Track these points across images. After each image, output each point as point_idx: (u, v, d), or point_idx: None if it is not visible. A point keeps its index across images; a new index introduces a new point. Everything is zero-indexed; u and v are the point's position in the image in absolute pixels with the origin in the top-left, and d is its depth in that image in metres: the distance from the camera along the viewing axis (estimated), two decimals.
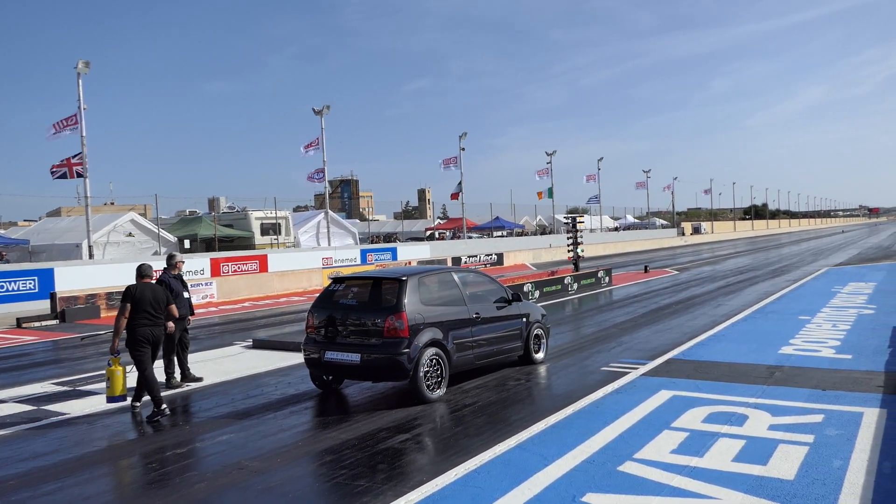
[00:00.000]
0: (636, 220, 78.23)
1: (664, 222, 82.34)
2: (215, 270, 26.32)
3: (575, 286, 21.10)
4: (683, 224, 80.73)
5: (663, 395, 7.64)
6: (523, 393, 8.29)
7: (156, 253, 28.43)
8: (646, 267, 28.27)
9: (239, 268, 27.21)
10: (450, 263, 33.85)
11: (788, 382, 8.06)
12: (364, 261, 32.76)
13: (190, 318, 9.65)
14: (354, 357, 7.82)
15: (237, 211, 38.80)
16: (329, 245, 34.13)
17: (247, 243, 34.61)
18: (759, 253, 41.54)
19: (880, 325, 12.01)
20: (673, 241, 64.10)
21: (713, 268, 29.26)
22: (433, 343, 7.93)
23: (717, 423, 6.52)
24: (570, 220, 23.89)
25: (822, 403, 7.08)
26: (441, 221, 67.78)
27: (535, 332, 9.89)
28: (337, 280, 8.84)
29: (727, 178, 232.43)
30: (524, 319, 9.70)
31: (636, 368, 9.19)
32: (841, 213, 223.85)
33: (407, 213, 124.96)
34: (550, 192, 51.58)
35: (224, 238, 33.58)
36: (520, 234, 54.65)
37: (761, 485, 5.00)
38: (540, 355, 9.96)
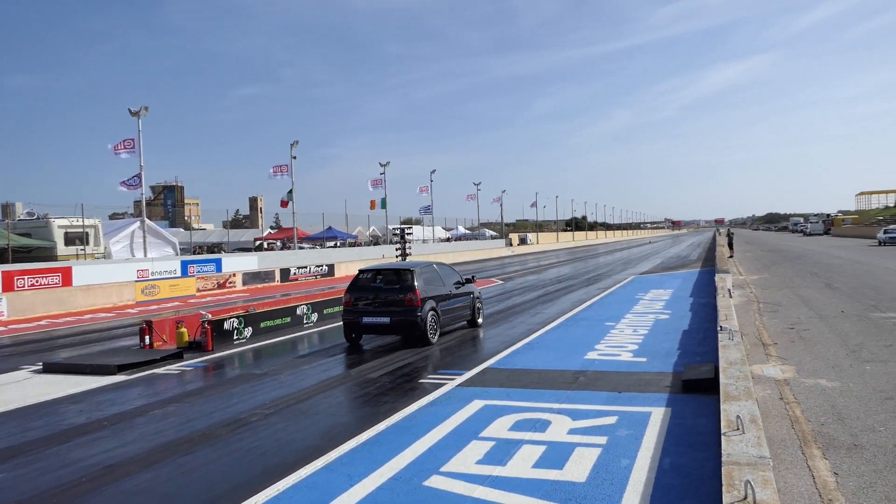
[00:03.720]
0: (467, 231, 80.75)
1: (494, 233, 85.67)
2: (7, 285, 23.55)
3: None
4: (511, 235, 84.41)
5: (475, 405, 7.82)
6: (333, 408, 8.13)
7: None
8: (473, 277, 29.10)
9: (37, 281, 24.55)
10: (278, 275, 32.89)
11: (590, 387, 8.57)
12: (185, 273, 30.87)
13: None
14: (385, 319, 12.04)
15: (37, 218, 35.04)
16: (146, 256, 31.83)
17: (47, 254, 31.35)
18: (578, 262, 44.39)
19: (673, 329, 13.19)
20: (502, 251, 66.84)
21: (536, 277, 30.80)
22: (431, 309, 12.27)
23: (523, 430, 6.76)
24: (398, 232, 24.07)
25: (617, 405, 7.58)
26: (272, 231, 65.75)
27: (477, 305, 14.54)
28: (364, 270, 13.25)
29: (551, 192, 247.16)
30: (472, 295, 14.33)
31: (453, 379, 9.35)
32: (649, 225, 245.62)
33: (237, 223, 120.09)
34: (384, 203, 51.85)
35: (20, 248, 30.18)
36: (353, 245, 54.36)
37: (556, 489, 5.21)
38: (480, 320, 14.57)
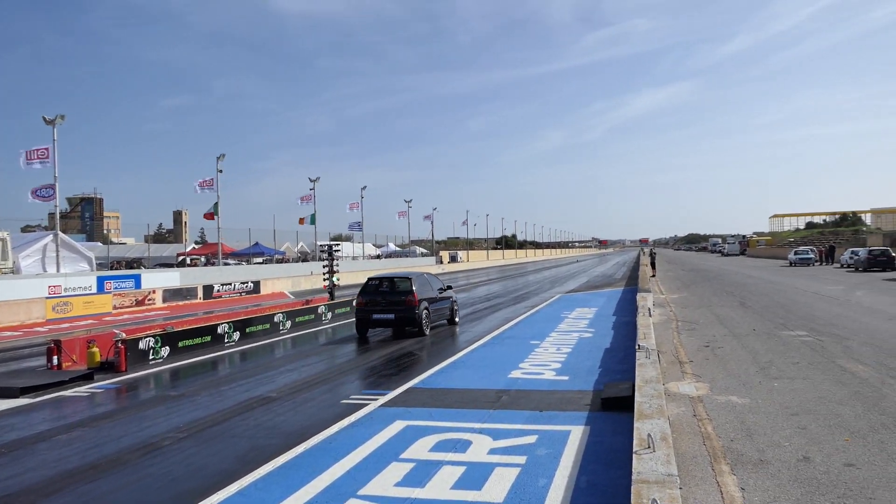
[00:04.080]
0: (398, 248, 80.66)
1: (424, 251, 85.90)
2: None
3: (329, 315, 20.98)
4: (442, 253, 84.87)
5: (397, 426, 7.75)
6: (251, 431, 7.91)
7: None
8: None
9: None
10: (201, 291, 31.97)
11: (512, 406, 8.64)
12: (101, 289, 29.59)
13: None
14: (391, 315, 15.26)
15: None
16: (58, 271, 30.36)
17: None
18: (507, 280, 44.95)
19: (595, 347, 13.47)
20: (432, 268, 66.84)
21: (466, 295, 31.00)
22: (425, 308, 15.56)
23: (443, 451, 6.74)
24: (326, 248, 23.80)
25: (538, 424, 7.66)
26: (196, 247, 63.95)
27: (455, 307, 17.94)
28: (372, 278, 16.62)
29: (482, 210, 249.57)
30: (451, 299, 17.73)
31: (376, 399, 9.26)
32: (577, 243, 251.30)
33: (160, 237, 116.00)
34: (313, 219, 51.25)
35: None
36: (280, 261, 53.42)
37: None
38: (457, 320, 18.06)
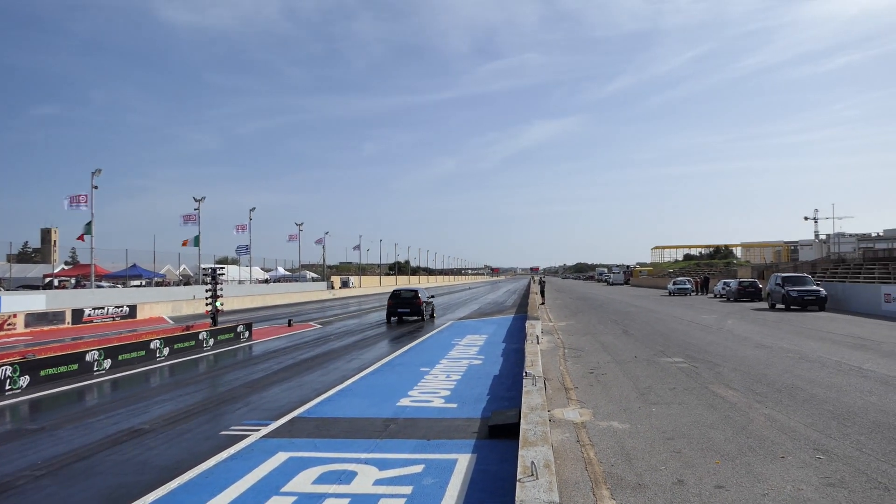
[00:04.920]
0: (288, 273, 78.86)
1: (315, 275, 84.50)
2: None
3: (211, 342, 20.14)
4: (333, 278, 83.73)
5: (279, 458, 7.50)
6: (119, 466, 7.41)
7: None
8: (290, 321, 28.43)
9: None
10: (69, 316, 29.91)
11: (400, 434, 8.56)
12: None
13: None
14: (408, 310, 28.11)
15: None
16: None
17: None
18: None
19: (485, 374, 13.63)
20: (323, 293, 65.78)
21: (357, 321, 30.66)
22: (426, 305, 29.08)
23: (328, 482, 6.57)
24: (209, 272, 22.94)
25: (426, 453, 7.63)
26: (67, 267, 59.86)
27: (433, 307, 31.31)
28: (396, 290, 29.67)
29: (376, 235, 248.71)
30: (433, 303, 30.86)
31: (258, 430, 8.93)
32: (470, 270, 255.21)
33: (25, 256, 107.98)
34: (197, 241, 49.26)
35: None
36: (160, 285, 50.92)
37: None
38: (434, 315, 30.83)
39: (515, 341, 19.54)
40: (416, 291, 29.67)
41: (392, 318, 28.75)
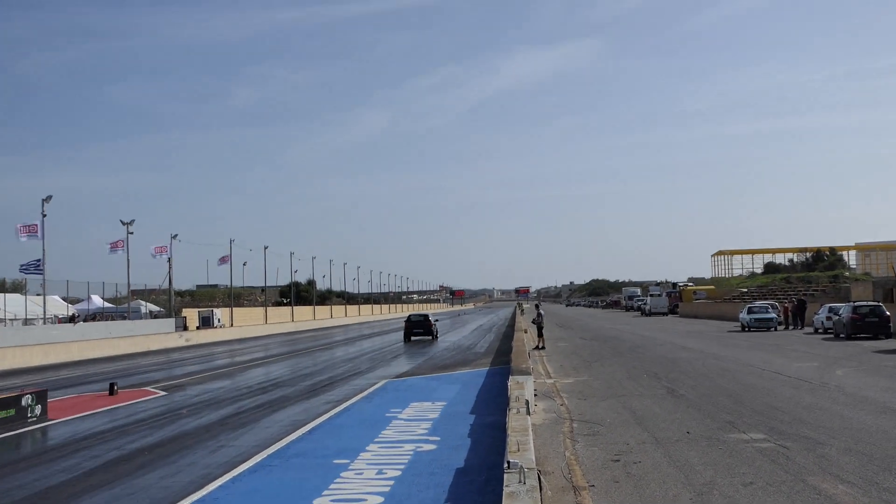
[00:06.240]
0: (109, 306, 77.40)
1: (156, 308, 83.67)
2: None
3: None
4: (187, 312, 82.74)
5: None
6: None
7: None
8: (113, 385, 27.70)
9: None
10: None
11: None
12: None
13: None
14: (421, 330, 65.15)
15: None
16: None
17: None
18: (300, 357, 45.23)
19: (441, 467, 13.33)
20: (169, 339, 64.48)
21: (228, 382, 30.67)
22: (434, 325, 67.92)
23: None
24: None
25: None
26: None
27: (437, 329, 67.73)
28: (412, 315, 73.56)
29: (258, 241, 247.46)
30: (436, 326, 68.51)
31: None
32: (417, 296, 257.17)
33: None
34: None
35: None
36: None
37: None
38: (437, 336, 64.82)
39: (492, 411, 19.34)
40: (427, 315, 67.79)
41: (411, 338, 60.20)
